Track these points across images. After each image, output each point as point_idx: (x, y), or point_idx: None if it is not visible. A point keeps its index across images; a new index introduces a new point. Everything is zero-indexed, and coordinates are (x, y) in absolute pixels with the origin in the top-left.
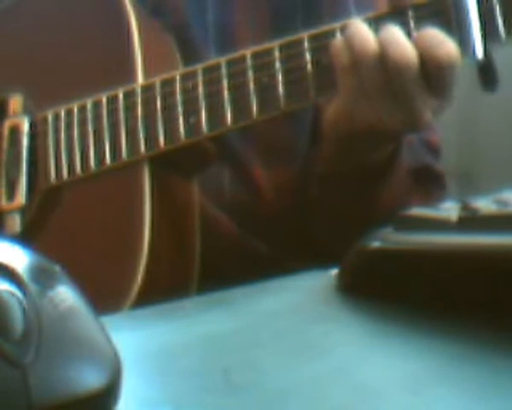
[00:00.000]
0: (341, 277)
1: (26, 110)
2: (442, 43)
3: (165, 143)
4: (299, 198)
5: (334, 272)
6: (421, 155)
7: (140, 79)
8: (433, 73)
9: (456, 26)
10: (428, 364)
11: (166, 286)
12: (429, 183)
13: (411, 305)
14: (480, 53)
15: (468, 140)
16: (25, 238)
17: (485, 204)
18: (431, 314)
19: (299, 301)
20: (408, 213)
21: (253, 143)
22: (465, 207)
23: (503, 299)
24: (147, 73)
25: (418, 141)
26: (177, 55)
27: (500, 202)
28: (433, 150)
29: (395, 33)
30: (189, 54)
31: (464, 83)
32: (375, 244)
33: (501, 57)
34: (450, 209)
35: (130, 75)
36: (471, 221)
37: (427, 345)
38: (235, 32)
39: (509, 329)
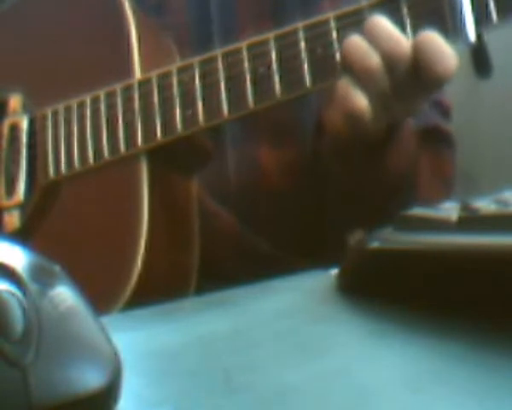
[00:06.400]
0: (341, 277)
1: (26, 109)
2: (442, 59)
3: (163, 136)
4: (305, 179)
5: (334, 272)
6: (427, 114)
7: (137, 76)
8: (427, 82)
9: (448, 9)
10: (428, 364)
11: (165, 283)
12: (438, 142)
13: (411, 305)
14: (472, 37)
15: (468, 140)
16: (24, 234)
17: (485, 204)
18: (431, 314)
19: (299, 301)
20: (408, 213)
21: (259, 124)
22: (465, 207)
23: (504, 299)
24: (144, 72)
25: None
26: (176, 54)
27: (500, 202)
28: (444, 110)
29: (386, 29)
30: (190, 53)
31: (464, 83)
32: (375, 244)
33: (501, 57)
34: (450, 209)
35: (127, 73)
36: (471, 221)
37: (428, 345)
38: (239, 31)
39: (509, 329)
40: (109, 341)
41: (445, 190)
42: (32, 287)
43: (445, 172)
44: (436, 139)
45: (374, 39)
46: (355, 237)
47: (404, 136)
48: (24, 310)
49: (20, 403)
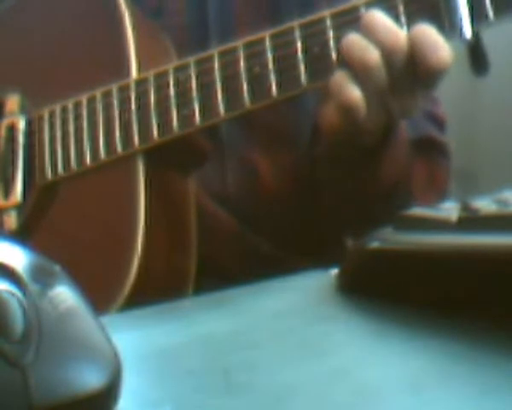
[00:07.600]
0: (341, 277)
1: (23, 109)
2: (435, 49)
3: (159, 136)
4: (302, 184)
5: (334, 272)
6: (422, 126)
7: (134, 75)
8: (422, 74)
9: (444, 6)
10: (428, 364)
11: (163, 283)
12: (433, 153)
13: (411, 305)
14: (468, 33)
15: (468, 140)
16: (22, 235)
17: (485, 204)
18: (431, 314)
19: (299, 301)
20: (408, 213)
21: (256, 129)
22: (465, 207)
23: (504, 299)
24: (141, 71)
25: (421, 113)
26: (174, 54)
27: (500, 202)
28: (439, 123)
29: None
30: (189, 56)
31: (462, 81)
32: (375, 244)
33: (499, 54)
34: (450, 209)
35: (125, 73)
36: (471, 221)
37: (427, 345)
38: (236, 34)
39: (509, 329)
40: (109, 341)
41: (438, 199)
42: (32, 287)
43: (439, 181)
44: (431, 149)
45: (372, 34)
46: (351, 242)
47: (399, 143)
48: (24, 310)
49: (19, 403)
